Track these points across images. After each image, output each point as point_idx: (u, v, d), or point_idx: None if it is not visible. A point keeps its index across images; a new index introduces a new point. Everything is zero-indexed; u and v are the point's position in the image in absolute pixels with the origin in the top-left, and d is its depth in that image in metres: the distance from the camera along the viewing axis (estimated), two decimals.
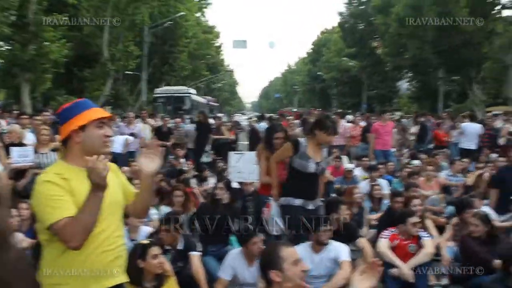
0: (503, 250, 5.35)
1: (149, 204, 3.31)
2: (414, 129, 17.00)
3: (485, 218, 6.45)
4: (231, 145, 15.99)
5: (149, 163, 3.11)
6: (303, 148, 5.82)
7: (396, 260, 6.02)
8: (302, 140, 5.94)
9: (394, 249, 6.14)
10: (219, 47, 63.64)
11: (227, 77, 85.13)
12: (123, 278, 3.03)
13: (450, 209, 8.59)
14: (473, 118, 16.31)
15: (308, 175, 5.81)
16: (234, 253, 5.68)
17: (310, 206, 5.92)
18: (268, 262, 3.10)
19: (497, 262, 5.50)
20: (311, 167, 5.76)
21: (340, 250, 5.62)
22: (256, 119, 23.40)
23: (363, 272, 2.89)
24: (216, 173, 11.04)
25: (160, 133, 15.05)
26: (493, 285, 4.89)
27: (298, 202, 5.86)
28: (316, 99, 72.18)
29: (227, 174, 8.75)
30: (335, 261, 5.57)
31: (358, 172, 10.79)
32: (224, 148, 14.34)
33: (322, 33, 75.49)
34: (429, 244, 6.23)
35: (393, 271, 5.98)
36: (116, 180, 3.08)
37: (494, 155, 12.78)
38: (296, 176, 5.89)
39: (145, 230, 6.41)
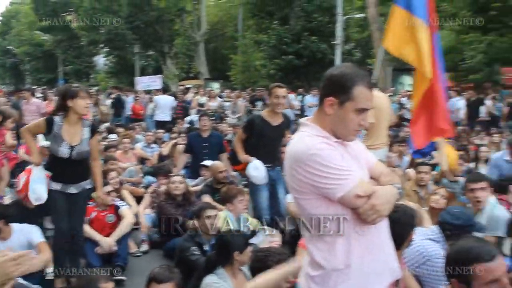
0: (195, 210, 5.80)
1: None
2: (109, 103, 17.12)
3: (183, 180, 7.08)
4: None
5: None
6: (57, 128, 5.27)
7: (94, 234, 6.05)
8: (57, 118, 5.31)
9: (92, 221, 6.16)
10: None
11: None
12: None
13: (148, 179, 8.97)
14: (165, 92, 17.16)
15: (63, 159, 5.28)
16: None
17: (72, 190, 5.36)
18: None
19: (190, 222, 5.96)
20: (63, 152, 5.24)
21: (30, 232, 5.38)
22: None
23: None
24: None
25: None
26: (185, 243, 5.29)
27: (55, 186, 5.32)
28: (7, 75, 66.94)
29: None
30: (30, 244, 5.32)
31: None
32: None
33: (11, 3, 69.89)
34: (128, 213, 6.42)
35: (97, 249, 6.00)
36: None
37: (186, 125, 13.72)
38: (52, 159, 5.38)
39: None
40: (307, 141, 2.52)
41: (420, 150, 6.48)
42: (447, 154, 6.52)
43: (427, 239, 4.10)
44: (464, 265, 2.66)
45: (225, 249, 4.36)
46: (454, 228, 4.04)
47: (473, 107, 16.21)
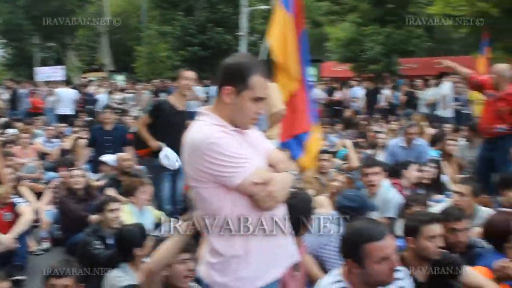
0: (98, 204, 5.66)
1: None
2: (6, 96, 16.41)
3: (84, 173, 6.92)
4: None
5: None
6: None
7: None
8: None
9: None
10: None
11: None
12: None
13: (49, 174, 8.67)
14: (68, 84, 16.66)
15: None
16: None
17: None
18: None
19: (93, 217, 5.85)
20: None
21: None
22: None
23: None
24: None
25: None
26: (88, 237, 5.18)
27: None
28: None
29: None
30: None
31: None
32: None
33: None
34: (26, 210, 6.17)
35: None
36: None
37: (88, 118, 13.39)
38: None
39: None
40: (205, 130, 2.54)
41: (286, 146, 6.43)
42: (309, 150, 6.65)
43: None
44: (357, 245, 2.77)
45: (125, 246, 4.34)
46: (351, 210, 4.22)
47: (371, 96, 16.92)
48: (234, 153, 2.49)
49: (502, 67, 7.26)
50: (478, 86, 7.35)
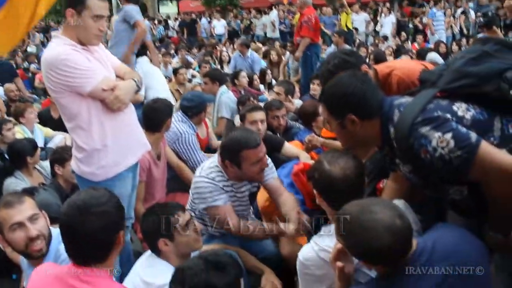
0: None
1: None
2: None
3: None
4: None
5: None
6: None
7: None
8: None
9: None
10: None
11: None
12: None
13: None
14: None
15: None
16: None
17: None
18: None
19: None
20: None
21: None
22: None
23: None
24: None
25: None
26: None
27: None
28: None
29: None
30: None
31: None
32: None
33: None
34: None
35: None
36: None
37: None
38: None
39: None
40: (57, 48, 2.70)
41: None
42: None
43: (178, 122, 4.47)
44: (235, 151, 2.83)
45: (18, 156, 4.42)
46: (193, 108, 4.53)
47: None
48: (83, 66, 2.66)
49: None
50: None
